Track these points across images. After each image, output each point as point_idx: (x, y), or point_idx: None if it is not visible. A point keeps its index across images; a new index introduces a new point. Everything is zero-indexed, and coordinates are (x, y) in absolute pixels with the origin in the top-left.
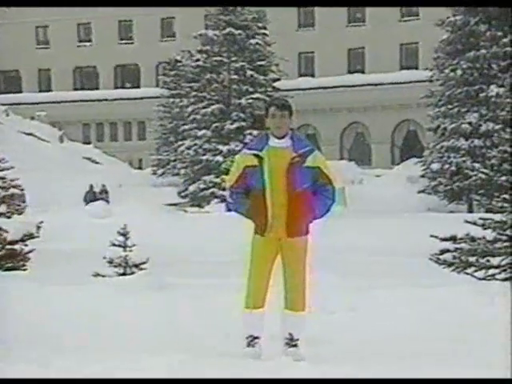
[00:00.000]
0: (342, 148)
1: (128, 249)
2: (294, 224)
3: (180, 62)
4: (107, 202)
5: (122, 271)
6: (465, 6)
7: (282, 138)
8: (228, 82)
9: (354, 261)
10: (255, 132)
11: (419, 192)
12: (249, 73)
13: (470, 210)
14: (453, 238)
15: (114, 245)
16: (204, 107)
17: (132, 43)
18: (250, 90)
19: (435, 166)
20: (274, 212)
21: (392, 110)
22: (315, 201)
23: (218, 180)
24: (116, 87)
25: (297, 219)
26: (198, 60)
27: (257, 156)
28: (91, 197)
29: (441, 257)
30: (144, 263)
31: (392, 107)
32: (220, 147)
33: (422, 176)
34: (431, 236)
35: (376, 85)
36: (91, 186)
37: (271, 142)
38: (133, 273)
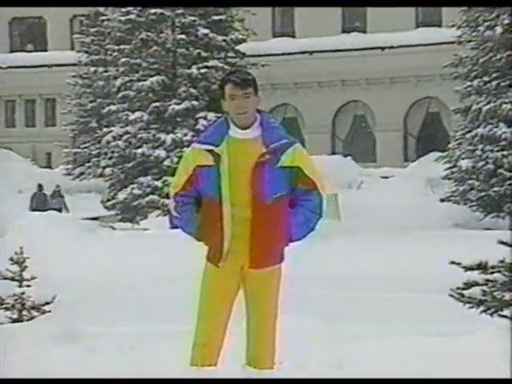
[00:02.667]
0: (335, 138)
1: (25, 283)
2: (262, 249)
3: (104, 15)
4: (61, 209)
5: (16, 315)
6: (465, 6)
7: (248, 127)
8: (172, 44)
9: (343, 298)
10: (211, 115)
11: (442, 200)
12: (202, 31)
13: None
14: (482, 267)
15: (5, 278)
16: (139, 79)
17: None
18: (204, 55)
19: (465, 164)
20: (235, 232)
21: (405, 83)
22: (293, 216)
23: (159, 183)
24: (12, 50)
25: (266, 242)
26: (128, 13)
27: (212, 152)
28: (41, 201)
29: (466, 292)
30: (48, 303)
31: (405, 80)
32: (162, 136)
33: (447, 177)
34: (452, 263)
35: (382, 49)
36: (40, 187)
37: (232, 131)
38: (32, 318)
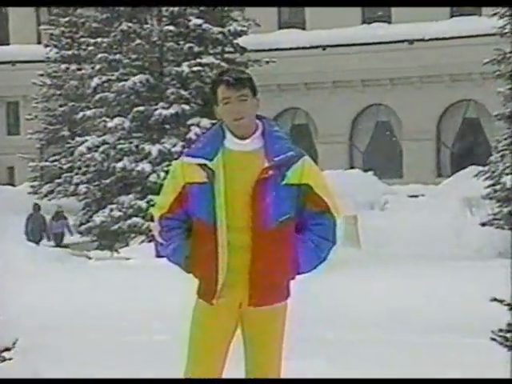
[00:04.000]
0: (353, 149)
1: None
2: (264, 283)
3: None
4: (63, 234)
5: None
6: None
7: (247, 137)
8: (159, 37)
9: (359, 341)
10: (205, 121)
11: (483, 224)
12: (194, 21)
13: None
14: None
15: None
16: (119, 79)
17: None
18: (197, 50)
19: (510, 180)
20: (231, 262)
21: (438, 83)
22: (301, 243)
23: (142, 203)
24: None
25: (269, 275)
26: None
27: (205, 167)
28: (38, 224)
29: (510, 335)
30: (8, 350)
31: (438, 79)
32: (146, 147)
33: (488, 197)
34: (494, 300)
35: (410, 42)
36: (36, 207)
37: (228, 142)
38: None
